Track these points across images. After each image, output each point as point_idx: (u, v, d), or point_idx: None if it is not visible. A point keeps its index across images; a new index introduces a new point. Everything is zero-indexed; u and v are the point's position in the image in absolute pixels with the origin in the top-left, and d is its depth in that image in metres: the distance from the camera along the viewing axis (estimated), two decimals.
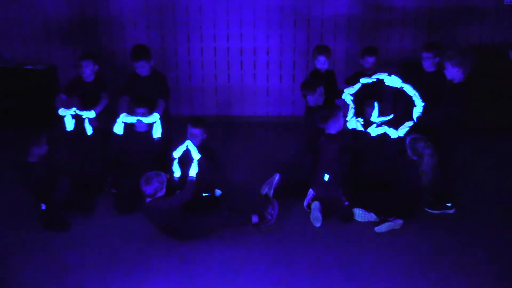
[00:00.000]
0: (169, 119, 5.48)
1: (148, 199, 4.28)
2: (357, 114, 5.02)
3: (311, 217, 4.70)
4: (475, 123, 6.63)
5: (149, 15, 7.23)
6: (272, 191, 4.99)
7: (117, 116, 5.03)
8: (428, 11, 7.13)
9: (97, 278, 3.93)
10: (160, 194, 4.29)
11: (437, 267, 4.05)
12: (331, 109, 4.81)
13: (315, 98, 5.13)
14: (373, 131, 4.85)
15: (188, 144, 4.72)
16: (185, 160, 4.68)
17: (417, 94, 4.67)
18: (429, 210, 4.86)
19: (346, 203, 4.72)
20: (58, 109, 5.12)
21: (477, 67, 4.64)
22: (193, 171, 4.53)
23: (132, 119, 5.01)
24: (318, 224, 4.63)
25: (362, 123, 4.93)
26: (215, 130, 6.09)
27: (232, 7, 7.19)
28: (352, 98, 5.02)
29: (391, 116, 5.08)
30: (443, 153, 4.61)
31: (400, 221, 4.56)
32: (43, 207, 4.61)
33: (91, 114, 5.19)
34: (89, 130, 5.20)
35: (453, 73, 4.50)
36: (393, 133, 4.75)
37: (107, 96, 5.41)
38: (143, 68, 5.28)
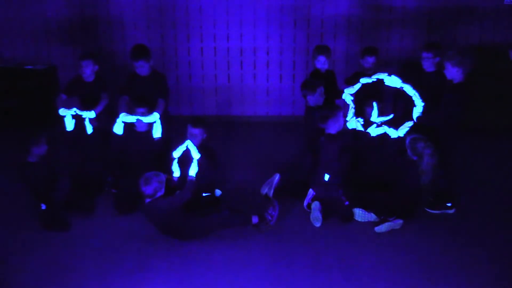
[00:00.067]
0: (168, 119, 5.48)
1: (148, 199, 4.28)
2: (357, 114, 5.02)
3: (311, 217, 4.70)
4: (475, 123, 6.62)
5: (149, 15, 7.23)
6: (272, 191, 4.99)
7: (117, 116, 5.03)
8: (428, 11, 7.13)
9: (97, 278, 3.93)
10: (159, 193, 4.29)
11: (437, 267, 4.05)
12: (331, 109, 4.82)
13: (315, 98, 5.13)
14: (373, 131, 4.85)
15: (188, 144, 4.72)
16: (185, 160, 4.68)
17: (417, 94, 4.67)
18: (429, 210, 4.86)
19: (346, 203, 4.72)
20: (58, 109, 5.13)
21: (477, 67, 4.65)
22: (193, 171, 4.53)
23: (132, 119, 5.01)
24: (318, 224, 4.63)
25: (362, 123, 4.93)
26: (215, 130, 6.08)
27: (232, 7, 7.20)
28: (352, 98, 5.02)
29: (391, 116, 5.09)
30: (443, 153, 4.61)
31: (400, 221, 4.56)
32: (43, 207, 4.61)
33: (91, 114, 5.19)
34: (89, 130, 5.20)
35: (453, 73, 4.50)
36: (393, 133, 4.75)
37: (107, 96, 5.41)
38: (142, 68, 5.28)
